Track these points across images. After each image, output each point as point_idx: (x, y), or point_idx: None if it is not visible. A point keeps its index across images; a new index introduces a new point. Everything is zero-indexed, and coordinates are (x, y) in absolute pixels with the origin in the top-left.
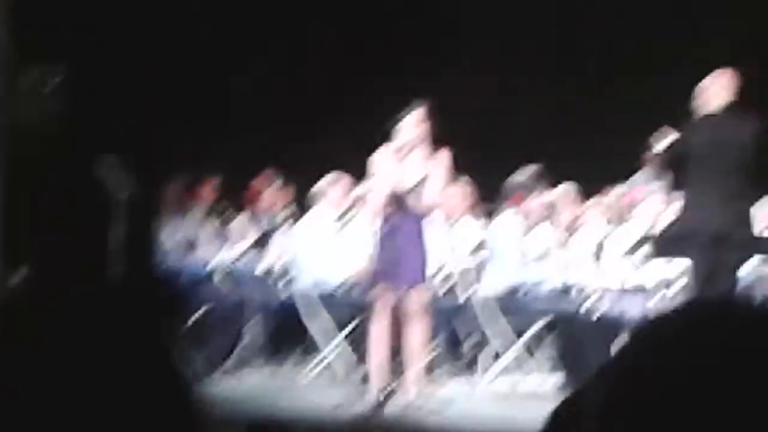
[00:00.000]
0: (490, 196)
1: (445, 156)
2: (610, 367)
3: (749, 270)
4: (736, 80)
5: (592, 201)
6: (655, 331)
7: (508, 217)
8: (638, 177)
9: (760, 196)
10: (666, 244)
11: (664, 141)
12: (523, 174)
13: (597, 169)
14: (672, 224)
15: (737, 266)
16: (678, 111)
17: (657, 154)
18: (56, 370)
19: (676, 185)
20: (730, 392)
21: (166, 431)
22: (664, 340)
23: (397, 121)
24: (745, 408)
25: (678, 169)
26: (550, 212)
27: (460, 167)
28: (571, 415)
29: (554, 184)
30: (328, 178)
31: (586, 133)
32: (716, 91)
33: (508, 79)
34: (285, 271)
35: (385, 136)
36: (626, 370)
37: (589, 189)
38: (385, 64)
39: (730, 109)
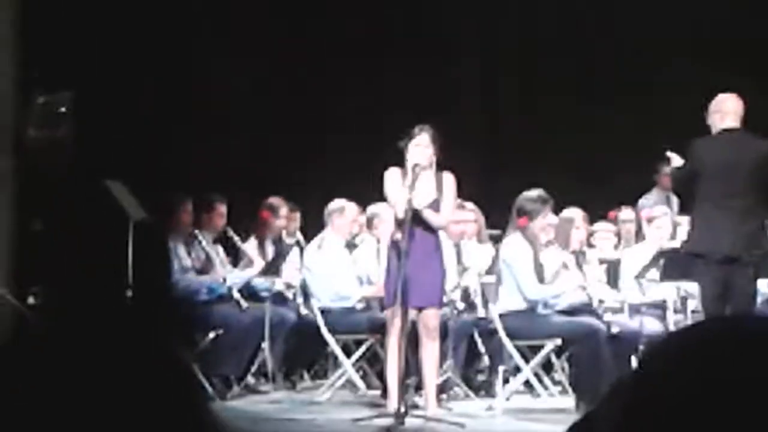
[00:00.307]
0: (494, 222)
1: (451, 180)
2: (624, 386)
3: (761, 291)
4: (743, 102)
5: (600, 223)
6: (669, 350)
7: (517, 240)
8: (644, 200)
9: None
10: (676, 266)
11: (675, 161)
12: (528, 197)
13: (602, 193)
14: (681, 246)
15: (747, 288)
16: (683, 134)
17: (669, 174)
18: (71, 391)
19: (686, 206)
20: (745, 410)
21: None
22: (678, 358)
23: (404, 144)
24: (764, 425)
25: (687, 189)
26: (558, 234)
27: (464, 193)
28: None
29: (559, 209)
30: (336, 203)
31: (590, 157)
32: (726, 111)
33: (509, 103)
34: (299, 292)
35: (392, 160)
36: (640, 389)
37: (596, 213)
38: (390, 90)
39: (741, 129)
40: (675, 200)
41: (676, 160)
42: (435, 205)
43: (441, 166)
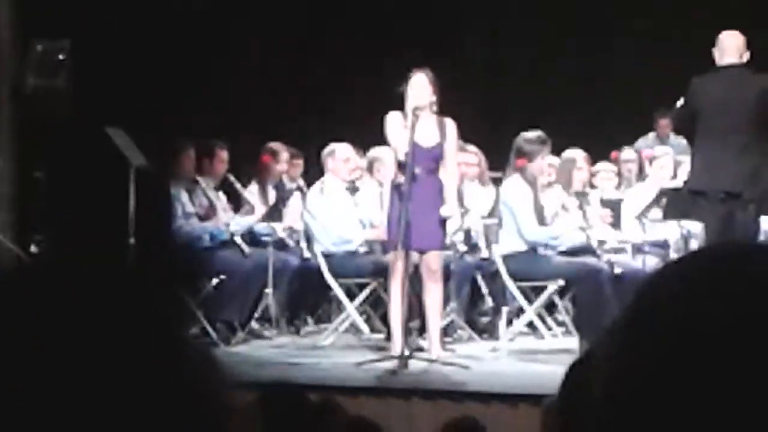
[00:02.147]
0: (496, 164)
1: (453, 127)
2: (620, 322)
3: (763, 229)
4: (747, 39)
5: (602, 164)
6: (664, 283)
7: (516, 181)
8: (642, 141)
9: None
10: (678, 205)
11: (678, 104)
12: (526, 138)
13: (600, 134)
14: (683, 185)
15: (749, 225)
16: (681, 77)
17: (671, 115)
18: (74, 338)
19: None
20: (746, 340)
21: (185, 397)
22: (673, 291)
23: (404, 88)
24: (763, 357)
25: (689, 127)
26: (560, 175)
27: (466, 135)
28: (585, 371)
29: (562, 150)
30: (329, 146)
31: (588, 99)
32: (726, 47)
33: (511, 45)
34: (302, 236)
35: (394, 105)
36: (634, 325)
37: (594, 153)
38: (386, 36)
39: (740, 65)
40: (673, 142)
41: (681, 101)
42: (438, 149)
43: (443, 110)
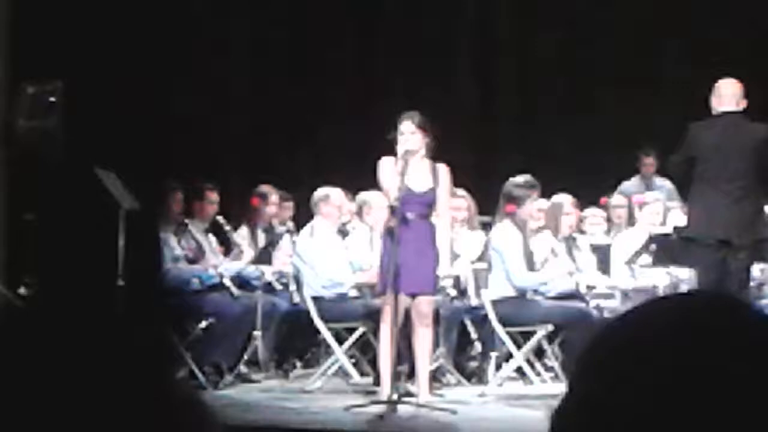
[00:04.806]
0: (486, 209)
1: (446, 172)
2: (583, 365)
3: (753, 276)
4: (743, 87)
5: (591, 209)
6: (620, 333)
7: (506, 226)
8: (627, 184)
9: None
10: (667, 251)
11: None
12: (515, 183)
13: (594, 179)
14: (674, 231)
15: (741, 272)
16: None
17: (668, 163)
18: (61, 382)
19: (683, 192)
20: (716, 381)
21: None
22: (629, 343)
23: (395, 133)
24: (734, 402)
25: (685, 174)
26: (548, 220)
27: (456, 180)
28: (570, 414)
29: (552, 195)
30: (320, 191)
31: (574, 144)
32: (723, 94)
33: (502, 91)
34: (292, 279)
35: (386, 150)
36: (611, 365)
37: (584, 198)
38: (384, 78)
39: (738, 112)
40: (658, 183)
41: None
42: (431, 194)
43: (435, 156)
